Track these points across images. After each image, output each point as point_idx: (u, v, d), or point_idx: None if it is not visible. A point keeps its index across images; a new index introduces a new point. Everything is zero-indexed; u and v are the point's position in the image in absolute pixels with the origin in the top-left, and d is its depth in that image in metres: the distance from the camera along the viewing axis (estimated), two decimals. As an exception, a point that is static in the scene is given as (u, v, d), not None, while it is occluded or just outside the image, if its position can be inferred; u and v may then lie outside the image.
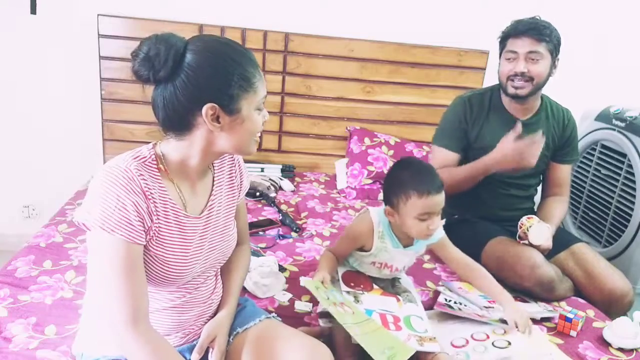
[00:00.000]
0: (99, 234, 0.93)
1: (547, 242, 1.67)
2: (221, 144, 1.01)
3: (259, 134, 1.05)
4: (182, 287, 1.08)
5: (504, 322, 1.43)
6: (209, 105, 0.95)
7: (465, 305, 1.52)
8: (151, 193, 0.98)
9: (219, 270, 1.22)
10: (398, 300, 1.41)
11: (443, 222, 1.39)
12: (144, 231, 0.97)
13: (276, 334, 1.12)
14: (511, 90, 1.78)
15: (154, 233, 0.99)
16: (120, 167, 0.95)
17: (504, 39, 1.80)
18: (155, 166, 1.01)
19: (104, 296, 0.95)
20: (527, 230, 1.68)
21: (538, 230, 1.67)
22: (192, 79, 0.94)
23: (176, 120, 0.98)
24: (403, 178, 1.34)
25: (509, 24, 1.79)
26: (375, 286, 1.45)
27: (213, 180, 1.13)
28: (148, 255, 0.99)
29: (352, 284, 1.42)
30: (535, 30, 1.71)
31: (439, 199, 1.31)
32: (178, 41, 0.95)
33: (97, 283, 0.97)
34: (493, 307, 1.52)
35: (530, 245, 1.67)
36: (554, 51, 1.75)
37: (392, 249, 1.41)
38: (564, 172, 1.93)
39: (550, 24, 1.75)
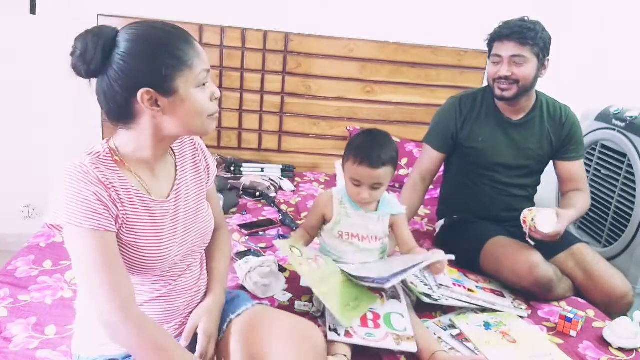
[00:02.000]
0: (69, 230, 0.95)
1: (557, 227, 1.59)
2: (169, 128, 1.01)
3: (214, 113, 1.03)
4: (165, 276, 1.09)
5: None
6: (143, 90, 0.95)
7: (446, 299, 1.54)
8: (110, 183, 0.98)
9: (204, 257, 1.23)
10: (381, 296, 1.41)
11: (378, 194, 1.44)
12: (112, 219, 0.97)
13: (269, 315, 1.15)
14: (497, 92, 1.79)
15: (122, 221, 1.00)
16: (74, 163, 0.97)
17: (491, 41, 1.81)
18: (111, 159, 1.01)
19: (88, 290, 0.96)
20: (532, 222, 1.59)
21: (544, 217, 1.58)
22: (122, 67, 0.95)
23: (118, 110, 0.99)
24: (355, 140, 1.45)
25: (497, 25, 1.79)
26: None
27: (176, 165, 1.14)
28: (122, 245, 1.00)
29: None
30: (519, 34, 1.70)
31: (370, 173, 1.38)
32: (108, 32, 0.96)
33: (79, 278, 0.98)
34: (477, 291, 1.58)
35: (541, 236, 1.60)
36: (541, 53, 1.74)
37: (353, 212, 1.47)
38: (574, 168, 1.89)
39: (538, 24, 1.74)
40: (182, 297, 1.12)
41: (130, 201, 1.01)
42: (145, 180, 1.05)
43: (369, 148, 1.39)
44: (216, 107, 1.03)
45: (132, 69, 0.95)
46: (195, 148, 1.20)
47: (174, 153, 1.15)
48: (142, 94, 0.95)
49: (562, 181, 1.94)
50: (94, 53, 0.94)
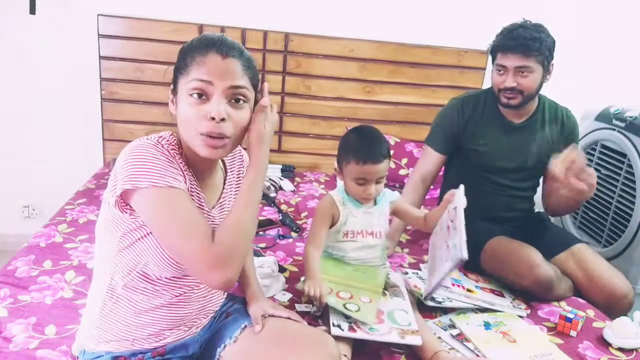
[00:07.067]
0: (152, 193, 0.92)
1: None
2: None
3: (207, 132, 0.95)
4: (184, 284, 1.09)
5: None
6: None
7: (450, 300, 1.55)
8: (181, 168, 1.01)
9: None
10: (384, 294, 1.42)
11: (382, 187, 1.48)
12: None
13: (285, 326, 1.16)
14: (503, 101, 1.79)
15: None
16: (152, 142, 0.98)
17: (493, 51, 1.80)
18: (178, 149, 1.03)
19: (184, 250, 0.93)
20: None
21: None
22: None
23: None
24: (349, 142, 1.47)
25: (499, 31, 1.78)
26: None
27: (224, 180, 1.15)
28: None
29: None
30: (523, 46, 1.68)
31: (375, 169, 1.42)
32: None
33: (167, 237, 0.95)
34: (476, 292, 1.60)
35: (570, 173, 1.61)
36: (545, 60, 1.72)
37: (356, 210, 1.50)
38: None
39: (543, 30, 1.72)
40: (195, 304, 1.13)
41: (191, 195, 1.02)
42: (199, 184, 1.07)
43: (367, 146, 1.42)
44: (208, 128, 0.94)
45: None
46: (242, 164, 1.21)
47: (225, 168, 1.16)
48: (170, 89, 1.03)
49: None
50: None
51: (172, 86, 1.02)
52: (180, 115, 0.98)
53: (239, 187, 1.18)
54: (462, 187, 1.38)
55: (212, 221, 1.10)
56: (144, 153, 0.94)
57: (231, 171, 1.18)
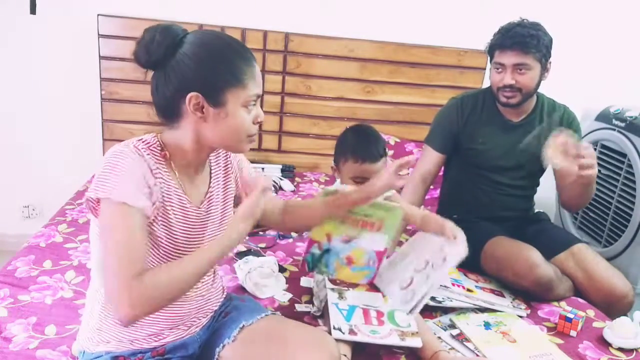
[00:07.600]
0: (109, 205, 0.93)
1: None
2: (209, 136, 1.02)
3: (253, 135, 1.05)
4: None
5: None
6: (192, 94, 0.97)
7: (450, 300, 1.55)
8: (158, 172, 1.00)
9: (217, 266, 1.24)
10: (383, 295, 1.42)
11: None
12: (152, 204, 0.98)
13: (285, 325, 1.17)
14: (503, 100, 1.79)
15: (159, 212, 1.00)
16: (127, 146, 0.98)
17: (491, 49, 1.80)
18: (160, 151, 1.02)
19: (117, 266, 0.91)
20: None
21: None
22: (181, 66, 0.97)
23: (165, 106, 1.02)
24: (347, 141, 1.48)
25: (496, 31, 1.78)
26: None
27: (210, 174, 1.15)
28: (153, 237, 1.00)
29: (338, 281, 1.44)
30: (521, 43, 1.69)
31: (372, 168, 1.42)
32: (178, 31, 1.00)
33: (103, 251, 0.94)
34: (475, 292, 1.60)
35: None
36: (543, 57, 1.73)
37: None
38: None
39: (540, 29, 1.72)
40: (193, 304, 1.13)
41: (169, 197, 1.02)
42: (184, 183, 1.06)
43: (365, 145, 1.43)
44: (256, 130, 1.05)
45: (190, 70, 0.97)
46: (227, 155, 1.21)
47: (209, 162, 1.16)
48: (191, 97, 0.97)
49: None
50: (159, 46, 0.97)
51: (203, 96, 0.97)
52: (234, 125, 1.01)
53: (226, 179, 1.18)
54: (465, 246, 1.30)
55: (202, 217, 1.09)
56: (115, 162, 0.95)
57: (217, 165, 1.18)
